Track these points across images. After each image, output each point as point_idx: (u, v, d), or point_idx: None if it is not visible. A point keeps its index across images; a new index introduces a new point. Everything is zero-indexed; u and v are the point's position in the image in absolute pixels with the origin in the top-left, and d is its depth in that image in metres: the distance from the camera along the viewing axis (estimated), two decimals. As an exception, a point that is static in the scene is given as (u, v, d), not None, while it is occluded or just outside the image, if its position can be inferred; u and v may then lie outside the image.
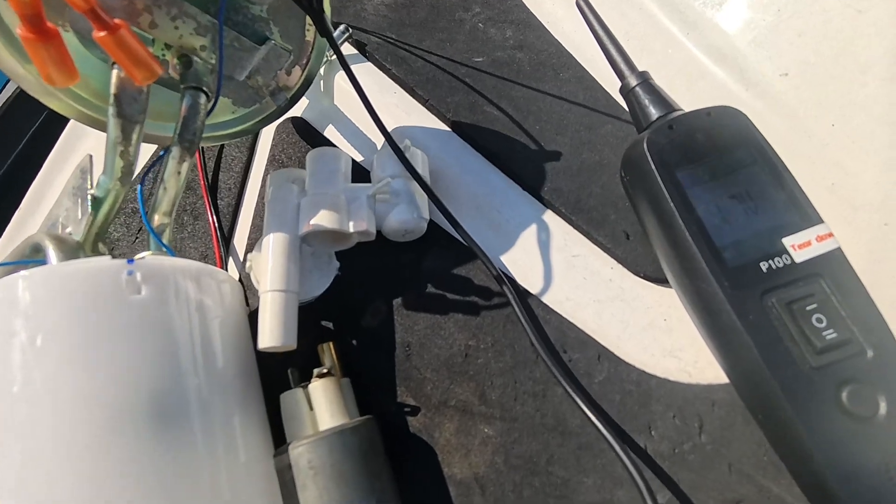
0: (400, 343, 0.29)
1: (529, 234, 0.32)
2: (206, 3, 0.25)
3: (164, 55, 0.26)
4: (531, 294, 0.30)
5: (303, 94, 0.34)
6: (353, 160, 0.35)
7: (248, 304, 0.32)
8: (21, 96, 0.57)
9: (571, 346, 0.28)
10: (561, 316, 0.29)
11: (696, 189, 0.24)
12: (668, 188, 0.25)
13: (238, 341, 0.27)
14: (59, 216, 0.40)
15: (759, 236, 0.23)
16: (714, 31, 0.35)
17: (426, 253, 0.32)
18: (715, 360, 0.26)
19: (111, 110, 0.24)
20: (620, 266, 0.30)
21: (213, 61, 0.27)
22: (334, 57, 0.33)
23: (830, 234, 0.23)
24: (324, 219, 0.28)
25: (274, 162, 0.37)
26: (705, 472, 0.25)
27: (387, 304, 0.31)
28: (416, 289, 0.31)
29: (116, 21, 0.20)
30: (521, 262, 0.31)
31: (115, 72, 0.23)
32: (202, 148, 0.40)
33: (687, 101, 0.27)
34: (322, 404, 0.25)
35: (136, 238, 0.39)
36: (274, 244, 0.28)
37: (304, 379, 0.27)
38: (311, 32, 0.31)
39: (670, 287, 0.28)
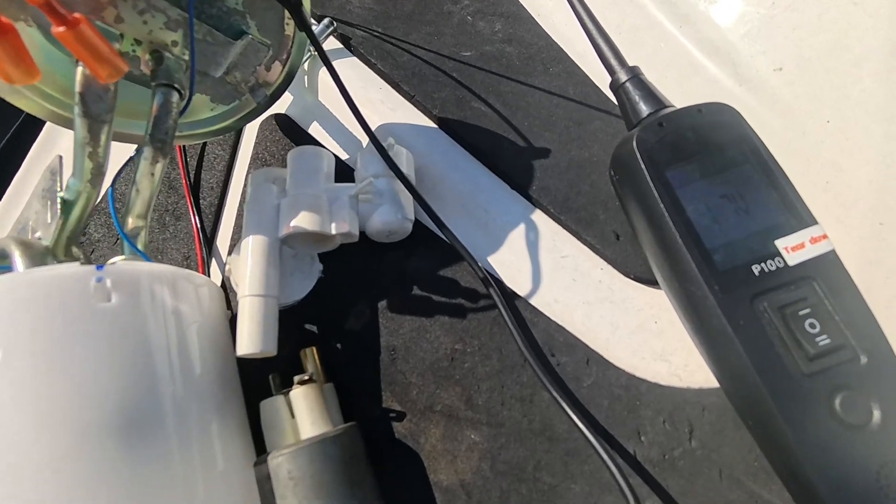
0: (385, 347, 0.29)
1: (517, 235, 0.31)
2: (178, -4, 0.24)
3: (134, 51, 0.25)
4: (519, 296, 0.29)
5: (284, 91, 0.33)
6: (338, 158, 0.34)
7: (229, 308, 0.31)
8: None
9: (559, 350, 0.28)
10: (549, 318, 0.28)
11: (687, 189, 0.24)
12: (657, 188, 0.24)
13: (217, 347, 0.26)
14: (28, 220, 0.39)
15: (751, 238, 0.23)
16: (707, 24, 0.34)
17: (412, 254, 0.31)
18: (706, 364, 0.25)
19: (77, 109, 0.23)
20: (610, 267, 0.30)
21: (187, 57, 0.26)
22: (316, 51, 0.32)
23: (825, 236, 0.22)
24: (304, 220, 0.27)
25: (257, 160, 0.36)
26: (695, 477, 0.24)
27: (371, 306, 0.30)
28: (401, 291, 0.30)
29: (76, 15, 0.19)
30: (508, 262, 0.30)
31: (79, 69, 0.22)
32: (184, 147, 0.39)
33: (678, 96, 0.27)
34: (303, 412, 0.25)
35: (118, 240, 0.38)
36: (252, 247, 0.27)
37: (287, 385, 0.26)
38: (290, 26, 0.30)
39: (661, 289, 0.27)
